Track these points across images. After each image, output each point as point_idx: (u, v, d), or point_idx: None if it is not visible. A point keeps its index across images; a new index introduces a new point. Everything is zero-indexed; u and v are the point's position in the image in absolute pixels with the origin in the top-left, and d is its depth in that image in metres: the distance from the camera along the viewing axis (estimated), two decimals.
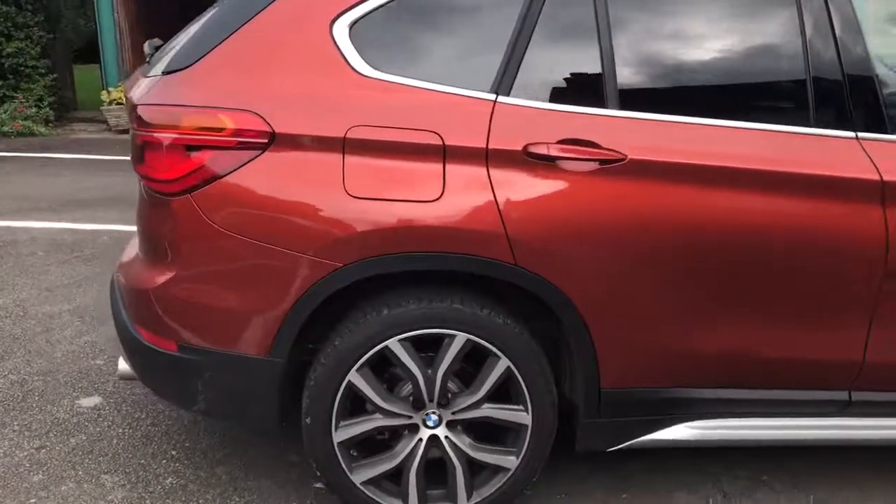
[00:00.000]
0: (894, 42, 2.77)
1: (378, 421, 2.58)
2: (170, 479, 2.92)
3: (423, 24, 2.52)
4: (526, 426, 2.61)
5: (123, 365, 2.83)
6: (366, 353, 2.49)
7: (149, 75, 2.63)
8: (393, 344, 2.50)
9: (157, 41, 3.14)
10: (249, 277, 2.45)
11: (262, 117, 2.37)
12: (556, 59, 2.52)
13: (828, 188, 2.51)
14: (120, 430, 3.22)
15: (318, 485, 2.91)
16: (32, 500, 2.78)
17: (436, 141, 2.39)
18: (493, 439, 2.66)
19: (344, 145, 2.38)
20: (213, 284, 2.47)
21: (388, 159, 2.40)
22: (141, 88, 2.57)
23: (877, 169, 2.51)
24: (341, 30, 2.44)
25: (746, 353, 2.62)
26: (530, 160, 2.40)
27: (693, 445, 2.72)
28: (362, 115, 2.40)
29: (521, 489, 2.70)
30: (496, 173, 2.40)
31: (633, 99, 2.49)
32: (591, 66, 2.50)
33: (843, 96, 2.54)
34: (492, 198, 2.39)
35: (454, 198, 2.39)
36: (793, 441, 2.76)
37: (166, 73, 2.48)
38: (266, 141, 2.37)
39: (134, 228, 2.77)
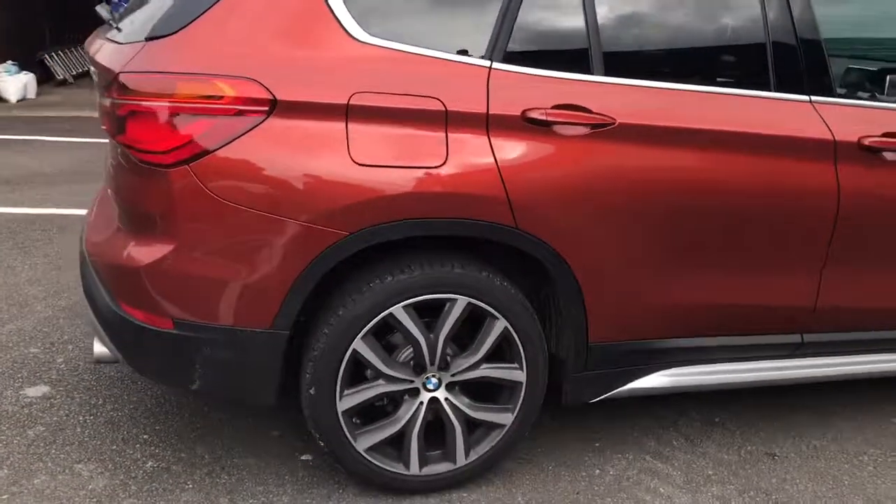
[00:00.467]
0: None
1: (381, 387, 2.60)
2: (150, 463, 2.82)
3: None
4: (521, 383, 2.70)
5: (100, 347, 2.70)
6: (371, 321, 2.50)
7: (121, 41, 2.50)
8: (397, 310, 2.52)
9: (105, 5, 2.98)
10: (252, 249, 2.40)
11: (262, 84, 2.32)
12: (544, 25, 2.59)
13: (788, 147, 2.73)
14: (81, 419, 3.07)
15: (305, 456, 2.90)
16: (5, 497, 2.62)
17: (438, 107, 2.41)
18: (486, 398, 2.73)
19: (347, 112, 2.36)
20: (212, 257, 2.40)
21: (392, 126, 2.40)
22: (118, 54, 2.45)
23: (829, 129, 2.75)
24: None
25: (718, 303, 2.81)
26: (528, 125, 2.47)
27: (667, 392, 2.91)
28: (364, 82, 2.39)
29: (514, 444, 2.80)
30: (496, 138, 2.45)
31: (617, 65, 2.61)
32: (578, 32, 2.59)
33: (798, 63, 2.76)
34: (493, 162, 2.45)
35: (457, 163, 2.43)
36: (754, 382, 2.99)
37: (151, 38, 2.38)
38: (267, 108, 2.33)
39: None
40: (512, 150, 2.47)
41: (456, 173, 2.43)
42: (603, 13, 2.59)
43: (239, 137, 2.32)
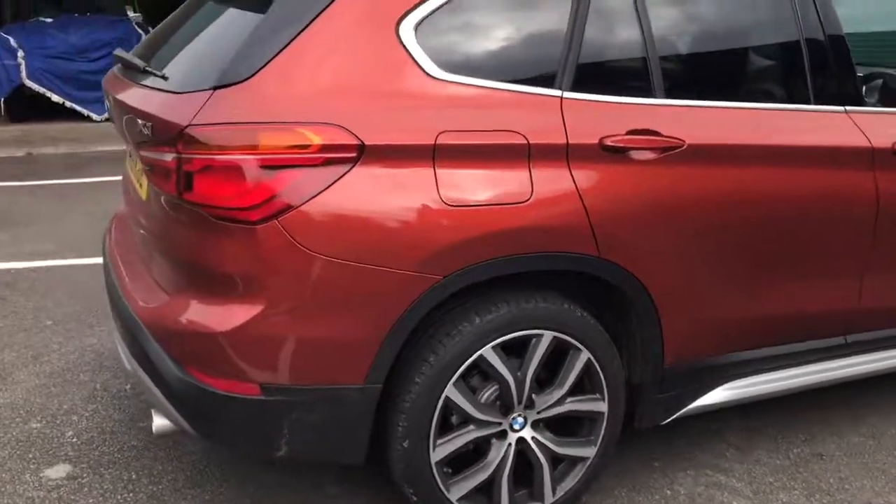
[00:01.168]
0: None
1: (473, 433, 2.51)
2: None
3: (482, 22, 2.45)
4: (603, 413, 2.66)
5: (161, 420, 2.49)
6: (461, 365, 2.41)
7: (175, 89, 2.32)
8: (487, 352, 2.44)
9: (121, 51, 2.78)
10: (345, 302, 2.26)
11: (348, 130, 2.20)
12: (607, 51, 2.58)
13: (833, 157, 2.81)
14: (120, 497, 2.82)
15: None
16: None
17: (521, 141, 2.35)
18: (566, 433, 2.68)
19: (434, 153, 2.27)
20: (304, 315, 2.25)
21: (478, 163, 2.33)
22: (176, 104, 2.27)
23: (866, 137, 2.85)
24: (407, 31, 2.32)
25: (776, 313, 2.86)
26: (604, 153, 2.44)
27: (728, 405, 2.93)
28: (447, 121, 2.30)
29: (597, 476, 2.75)
30: (577, 168, 2.41)
31: (677, 88, 2.62)
32: (639, 57, 2.58)
33: (833, 76, 2.86)
34: (576, 193, 2.40)
35: (543, 196, 2.37)
36: (804, 386, 3.06)
37: (219, 86, 2.21)
38: (355, 155, 2.21)
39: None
40: (592, 179, 2.43)
41: (542, 207, 2.37)
42: (660, 39, 2.59)
43: (329, 187, 2.19)
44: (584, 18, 2.50)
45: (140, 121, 2.39)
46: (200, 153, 2.19)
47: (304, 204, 2.18)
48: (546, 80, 2.45)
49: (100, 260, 5.09)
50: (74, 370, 3.74)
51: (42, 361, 3.83)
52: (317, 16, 2.27)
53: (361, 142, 2.20)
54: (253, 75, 2.21)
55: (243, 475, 2.96)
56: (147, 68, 2.54)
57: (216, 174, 2.19)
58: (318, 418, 2.35)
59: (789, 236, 2.77)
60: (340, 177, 2.20)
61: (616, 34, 2.59)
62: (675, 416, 2.84)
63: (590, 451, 2.68)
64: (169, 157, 2.27)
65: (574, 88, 2.47)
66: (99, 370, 3.74)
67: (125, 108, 2.55)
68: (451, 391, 2.42)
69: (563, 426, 2.67)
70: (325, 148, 2.18)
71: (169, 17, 3.07)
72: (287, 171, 2.18)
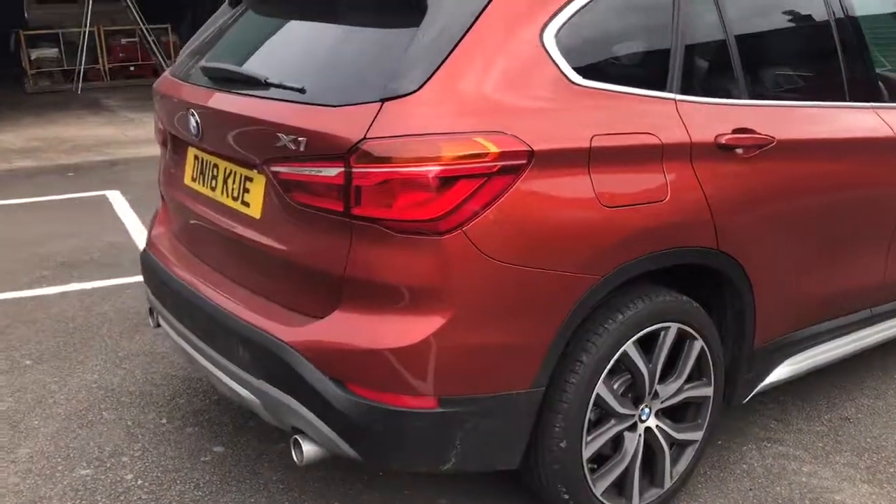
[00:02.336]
0: None
1: (615, 427, 2.59)
2: None
3: (606, 28, 2.53)
4: (709, 397, 2.82)
5: (310, 446, 2.39)
6: (609, 362, 2.49)
7: (331, 102, 2.25)
8: (629, 347, 2.53)
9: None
10: (519, 307, 2.28)
11: (518, 137, 2.22)
12: (703, 57, 2.73)
13: (869, 147, 3.13)
14: None
15: None
16: None
17: (655, 142, 2.46)
18: (677, 419, 2.81)
19: (589, 156, 2.33)
20: (484, 323, 2.25)
21: (624, 165, 2.41)
22: (337, 118, 2.21)
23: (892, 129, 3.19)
24: (549, 38, 2.37)
25: (836, 290, 3.15)
26: (718, 151, 2.60)
27: (787, 380, 3.18)
28: (596, 125, 2.37)
29: (702, 458, 2.90)
30: (698, 166, 2.55)
31: (759, 89, 2.83)
32: (728, 61, 2.76)
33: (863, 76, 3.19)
34: (700, 190, 2.54)
35: (677, 194, 2.49)
36: (843, 356, 3.36)
37: (388, 98, 2.17)
38: (525, 161, 2.23)
39: None
40: (710, 175, 2.58)
41: (677, 204, 2.49)
42: (743, 46, 2.78)
43: (504, 194, 2.21)
44: (682, 27, 2.64)
45: (283, 135, 2.28)
46: (378, 167, 2.14)
47: (483, 212, 2.18)
48: (661, 84, 2.57)
49: (43, 290, 4.76)
50: (93, 409, 3.45)
51: (48, 404, 3.51)
52: (470, 26, 2.27)
53: (531, 148, 2.23)
54: (420, 87, 2.19)
55: (343, 494, 2.88)
56: (269, 80, 2.43)
57: (397, 187, 2.15)
58: (488, 426, 2.35)
59: (848, 218, 3.06)
60: (512, 184, 2.22)
61: (707, 40, 2.75)
62: (751, 395, 3.05)
63: (698, 435, 2.83)
64: (332, 171, 2.20)
65: (683, 91, 2.60)
66: (121, 406, 3.47)
67: (244, 121, 2.43)
68: (600, 388, 2.49)
69: (673, 413, 2.80)
70: (500, 156, 2.19)
71: (232, 28, 2.93)
72: (466, 180, 2.17)
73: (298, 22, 2.74)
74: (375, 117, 2.16)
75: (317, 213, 2.29)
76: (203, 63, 2.75)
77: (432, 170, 2.14)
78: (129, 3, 16.24)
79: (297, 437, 2.42)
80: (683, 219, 2.52)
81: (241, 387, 2.55)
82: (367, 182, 2.16)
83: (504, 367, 2.32)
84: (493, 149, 2.19)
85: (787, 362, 3.12)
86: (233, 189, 2.62)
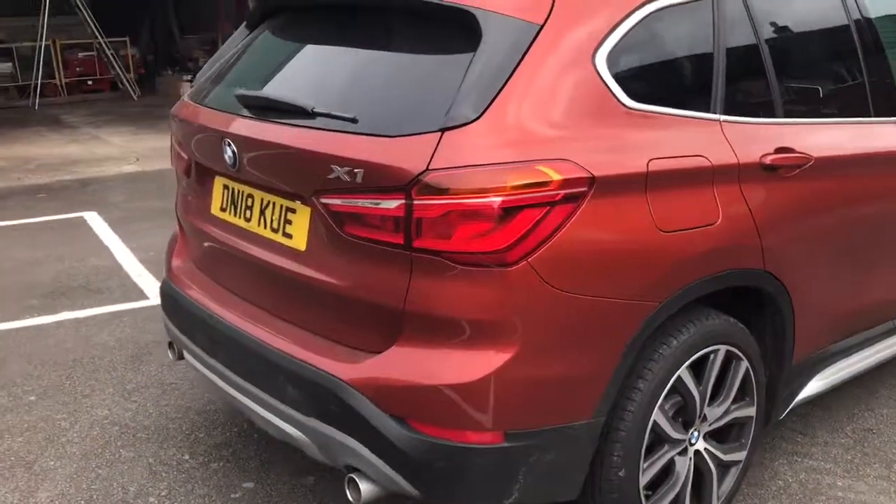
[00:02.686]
0: None
1: (668, 452, 2.56)
2: None
3: (652, 51, 2.51)
4: (752, 417, 2.81)
5: (368, 485, 2.32)
6: (665, 388, 2.46)
7: (388, 132, 2.18)
8: (683, 372, 2.50)
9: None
10: (583, 337, 2.25)
11: (578, 164, 2.19)
12: (741, 78, 2.72)
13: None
14: None
15: None
16: None
17: (706, 164, 2.45)
18: (721, 440, 2.80)
19: (647, 180, 2.31)
20: (550, 355, 2.21)
21: (678, 188, 2.39)
22: (393, 148, 2.15)
23: None
24: (601, 62, 2.34)
25: (868, 303, 3.17)
26: (763, 171, 2.60)
27: (818, 395, 3.18)
28: (651, 148, 2.35)
29: (744, 476, 2.89)
30: (745, 187, 2.55)
31: (792, 109, 2.83)
32: (762, 79, 2.75)
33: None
34: (748, 210, 2.54)
35: (727, 216, 2.48)
36: (867, 368, 3.38)
37: (446, 129, 2.12)
38: (586, 188, 2.20)
39: None
40: (757, 196, 2.58)
41: (729, 226, 2.48)
42: (779, 64, 2.79)
43: (567, 222, 2.17)
44: (722, 47, 2.63)
45: (338, 167, 2.22)
46: (441, 199, 2.09)
47: (547, 242, 2.14)
48: (705, 105, 2.56)
49: (34, 320, 4.60)
50: (109, 447, 3.33)
51: (61, 443, 3.38)
52: (525, 54, 2.23)
53: (592, 175, 2.19)
54: (479, 117, 2.14)
55: None
56: (315, 110, 2.36)
57: (461, 219, 2.10)
58: (551, 459, 2.30)
59: (879, 230, 3.09)
60: (575, 211, 2.18)
61: (745, 60, 2.74)
62: (786, 412, 3.05)
63: (742, 455, 2.82)
64: (392, 204, 2.14)
65: (726, 112, 2.59)
66: (138, 443, 3.36)
67: (290, 152, 2.36)
68: (657, 414, 2.46)
69: (718, 434, 2.79)
70: (563, 184, 2.16)
71: (259, 53, 2.86)
72: (530, 209, 2.13)
73: (337, 48, 2.67)
74: (436, 148, 2.11)
75: (372, 246, 2.23)
76: (240, 91, 2.67)
77: (496, 200, 2.09)
78: (86, 17, 15.94)
79: (352, 475, 2.35)
80: (735, 241, 2.51)
81: (287, 424, 2.47)
82: (430, 214, 2.11)
83: (567, 398, 2.28)
84: (556, 176, 2.15)
85: (818, 377, 3.13)
86: (272, 220, 2.55)
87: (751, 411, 2.80)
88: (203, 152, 2.81)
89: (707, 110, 2.55)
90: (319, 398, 2.35)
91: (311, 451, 2.46)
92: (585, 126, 2.28)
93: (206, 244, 2.93)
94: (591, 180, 2.20)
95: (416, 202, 2.11)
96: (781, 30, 2.87)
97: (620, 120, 2.34)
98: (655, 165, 2.33)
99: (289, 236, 2.49)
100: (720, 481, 2.79)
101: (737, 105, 2.65)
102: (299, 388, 2.41)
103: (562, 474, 2.36)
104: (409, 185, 2.11)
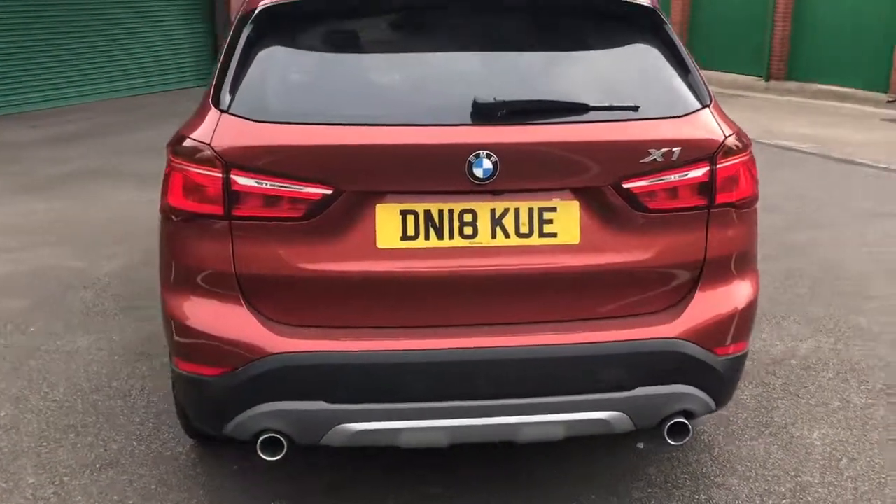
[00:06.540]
0: None
1: None
2: None
3: None
4: None
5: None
6: None
7: (669, 113, 2.64)
8: None
9: None
10: None
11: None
12: None
13: None
14: None
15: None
16: None
17: None
18: None
19: None
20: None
21: None
22: (689, 125, 2.64)
23: None
24: None
25: None
26: None
27: None
28: None
29: None
30: None
31: None
32: None
33: None
34: None
35: None
36: None
37: (702, 108, 2.73)
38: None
39: None
40: None
41: None
42: None
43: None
44: None
45: (655, 150, 2.50)
46: (733, 159, 2.68)
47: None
48: None
49: None
50: None
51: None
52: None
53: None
54: (711, 102, 2.76)
55: None
56: (616, 104, 2.59)
57: (743, 172, 2.70)
58: None
59: None
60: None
61: None
62: None
63: None
64: (699, 172, 2.58)
65: None
66: None
67: (583, 147, 2.53)
68: None
69: None
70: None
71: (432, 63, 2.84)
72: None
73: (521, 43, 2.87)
74: (716, 120, 2.65)
75: (672, 216, 2.59)
76: (480, 98, 2.44)
77: (748, 157, 2.76)
78: None
79: (676, 420, 2.61)
80: None
81: (589, 413, 2.55)
82: (726, 174, 2.63)
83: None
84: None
85: None
86: (518, 227, 2.53)
87: None
88: (390, 177, 2.46)
89: None
90: (648, 365, 2.58)
91: (619, 426, 2.59)
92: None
93: (363, 288, 2.52)
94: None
95: (718, 166, 2.61)
96: None
97: None
98: None
99: (551, 235, 2.55)
100: None
101: None
102: (617, 367, 2.55)
103: None
104: (714, 153, 2.59)
